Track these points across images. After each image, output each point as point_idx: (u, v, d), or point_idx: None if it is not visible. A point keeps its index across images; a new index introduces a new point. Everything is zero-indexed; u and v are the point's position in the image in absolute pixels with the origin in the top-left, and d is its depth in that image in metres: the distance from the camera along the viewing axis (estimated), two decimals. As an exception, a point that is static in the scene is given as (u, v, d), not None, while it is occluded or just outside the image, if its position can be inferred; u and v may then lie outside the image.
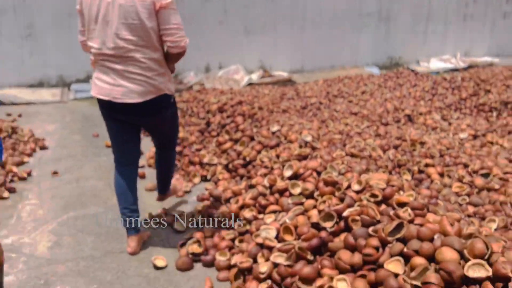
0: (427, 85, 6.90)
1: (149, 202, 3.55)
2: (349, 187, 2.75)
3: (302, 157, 3.36)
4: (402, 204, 2.36)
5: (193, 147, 4.41)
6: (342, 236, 2.39)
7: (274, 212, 2.88)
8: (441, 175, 3.61)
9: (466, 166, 3.72)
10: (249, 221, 2.90)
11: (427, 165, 3.75)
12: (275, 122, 4.36)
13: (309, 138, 3.84)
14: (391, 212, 2.31)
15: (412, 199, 2.40)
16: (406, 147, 4.19)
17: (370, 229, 2.25)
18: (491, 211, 2.99)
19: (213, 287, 2.51)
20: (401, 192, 2.58)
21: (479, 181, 3.35)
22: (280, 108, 5.80)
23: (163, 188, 3.35)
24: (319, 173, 3.03)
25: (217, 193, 3.52)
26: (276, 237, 2.63)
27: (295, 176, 3.08)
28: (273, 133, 4.03)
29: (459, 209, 3.03)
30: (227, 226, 3.00)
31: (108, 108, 2.66)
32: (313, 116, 5.63)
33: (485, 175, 3.50)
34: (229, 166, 3.85)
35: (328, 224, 2.46)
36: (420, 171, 3.69)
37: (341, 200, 2.66)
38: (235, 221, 3.01)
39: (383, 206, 2.46)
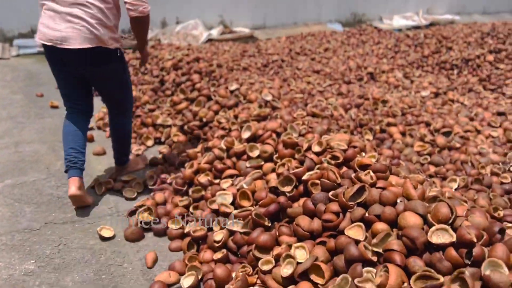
0: (390, 43, 6.78)
1: (97, 167, 3.28)
2: (309, 148, 2.60)
3: (261, 118, 3.16)
4: (364, 167, 2.23)
5: (145, 107, 4.11)
6: (301, 201, 2.25)
7: (231, 176, 2.70)
8: (403, 134, 3.53)
9: (428, 124, 3.65)
10: (204, 187, 2.71)
11: (389, 124, 3.66)
12: (234, 81, 4.11)
13: (269, 98, 3.64)
14: (352, 175, 2.17)
15: (374, 161, 2.27)
16: (368, 106, 4.08)
17: (330, 194, 2.12)
18: (452, 171, 2.94)
19: (156, 260, 2.33)
20: (363, 154, 2.46)
21: (440, 139, 3.29)
22: (241, 66, 5.53)
23: (119, 159, 3.11)
24: (279, 135, 2.85)
25: (171, 156, 3.30)
26: (233, 203, 2.47)
27: (254, 138, 2.89)
28: (232, 92, 3.80)
29: (420, 169, 2.96)
30: (181, 192, 2.80)
31: (52, 54, 2.55)
32: (274, 75, 5.41)
33: (447, 134, 3.45)
34: (184, 128, 3.60)
35: (287, 189, 2.31)
36: (382, 131, 3.59)
37: (301, 163, 2.51)
38: (189, 186, 2.82)
39: (344, 169, 2.33)
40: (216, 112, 3.55)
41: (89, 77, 2.68)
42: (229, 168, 2.75)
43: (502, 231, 1.74)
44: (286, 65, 5.91)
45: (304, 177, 2.28)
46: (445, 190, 2.43)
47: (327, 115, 3.59)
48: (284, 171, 2.41)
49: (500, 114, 3.98)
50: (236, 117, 3.30)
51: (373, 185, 2.08)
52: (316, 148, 2.54)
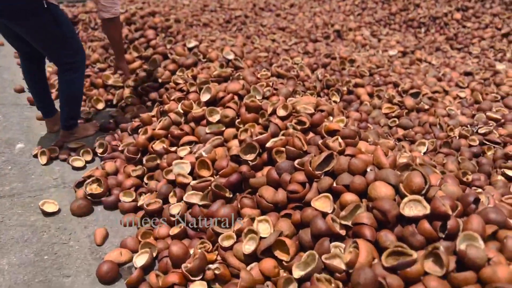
0: (358, -1, 6.54)
1: (40, 133, 2.97)
2: (274, 113, 2.40)
3: (222, 79, 2.90)
4: (331, 132, 2.06)
5: (95, 66, 3.75)
6: (265, 170, 2.07)
7: (189, 143, 2.47)
8: (371, 95, 3.39)
9: (396, 85, 3.52)
10: (159, 155, 2.48)
11: (356, 85, 3.50)
12: (192, 37, 3.79)
13: (231, 56, 3.37)
14: (320, 142, 2.00)
15: (342, 126, 2.11)
16: (335, 65, 3.89)
17: (296, 162, 1.95)
18: (421, 134, 2.84)
19: (107, 237, 2.13)
20: (331, 118, 2.28)
21: (409, 101, 3.17)
22: (201, 22, 5.18)
23: (66, 122, 2.82)
24: (241, 97, 2.62)
25: (124, 121, 3.02)
26: (191, 173, 2.26)
27: (214, 101, 2.65)
28: (190, 50, 3.50)
29: (389, 132, 2.84)
30: (134, 161, 2.56)
31: None
32: (237, 31, 5.09)
33: (415, 95, 3.33)
34: (138, 89, 3.30)
35: (249, 157, 2.12)
36: (349, 92, 3.43)
37: (265, 128, 2.32)
38: (143, 155, 2.58)
39: (311, 135, 2.15)
40: (173, 72, 3.26)
41: (18, 31, 2.35)
42: (186, 135, 2.52)
43: (476, 201, 1.64)
44: (250, 21, 5.58)
45: (268, 144, 2.09)
46: (415, 155, 2.31)
47: (293, 75, 3.37)
48: (247, 137, 2.21)
49: (467, 74, 3.90)
50: (194, 77, 3.03)
51: (341, 152, 1.92)
52: (281, 112, 2.35)
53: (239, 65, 3.30)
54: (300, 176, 1.88)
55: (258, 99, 2.56)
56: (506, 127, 2.87)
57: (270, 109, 2.43)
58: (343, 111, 2.96)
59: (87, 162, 2.69)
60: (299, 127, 2.16)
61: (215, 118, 2.51)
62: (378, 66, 3.95)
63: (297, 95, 2.85)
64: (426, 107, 3.14)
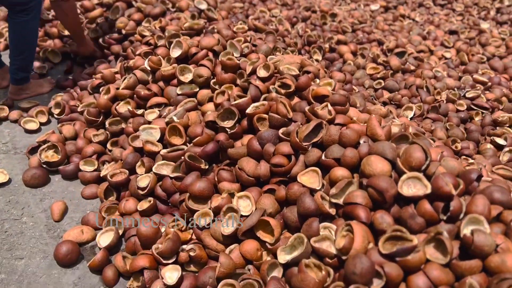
0: None
1: (-15, 91, 2.62)
2: (253, 73, 2.15)
3: (195, 32, 2.59)
4: (319, 98, 1.85)
5: (50, 14, 3.31)
6: (246, 139, 1.86)
7: (157, 106, 2.21)
8: (354, 54, 3.17)
9: (380, 43, 3.31)
10: (124, 118, 2.20)
11: (339, 42, 3.27)
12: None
13: (204, 6, 3.04)
14: (306, 109, 1.79)
15: (331, 91, 1.89)
16: (316, 19, 3.62)
17: (281, 131, 1.74)
18: (407, 97, 2.67)
19: (66, 211, 1.89)
20: (317, 81, 2.06)
21: (395, 61, 2.97)
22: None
23: (17, 75, 2.47)
24: (216, 54, 2.35)
25: (83, 78, 2.70)
26: (160, 140, 2.02)
27: (186, 58, 2.36)
28: (157, -3, 3.12)
29: (374, 95, 2.66)
30: (95, 124, 2.28)
31: None
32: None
33: (400, 54, 3.14)
34: (99, 42, 2.95)
35: (227, 124, 1.89)
36: (332, 49, 3.20)
37: (244, 91, 2.08)
38: (106, 117, 2.30)
39: (296, 100, 1.94)
40: (138, 23, 2.91)
41: None
42: (155, 95, 2.24)
43: (479, 178, 1.50)
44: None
45: (249, 110, 1.86)
46: (406, 122, 2.15)
47: (272, 30, 3.09)
48: (224, 101, 1.97)
49: (452, 32, 3.73)
50: (163, 29, 2.70)
51: (331, 121, 1.72)
52: (262, 73, 2.10)
53: (213, 16, 2.98)
54: (285, 148, 1.68)
55: (236, 57, 2.30)
56: (494, 91, 2.75)
57: (249, 69, 2.18)
58: (326, 71, 2.73)
59: (41, 124, 2.39)
60: (283, 91, 1.93)
61: (187, 77, 2.24)
62: (360, 22, 3.71)
63: (277, 52, 2.59)
64: (412, 68, 2.96)
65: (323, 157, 1.62)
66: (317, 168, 1.61)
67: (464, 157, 2.15)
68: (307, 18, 3.64)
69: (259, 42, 2.59)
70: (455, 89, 2.78)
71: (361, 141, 1.62)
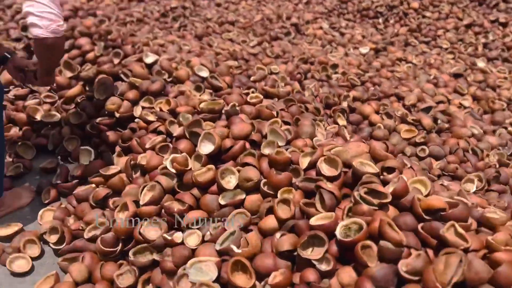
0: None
1: None
2: (311, 167, 1.73)
3: (216, 114, 2.13)
4: (430, 212, 1.45)
5: (10, 90, 2.69)
6: (343, 275, 1.41)
7: (196, 222, 1.70)
8: (377, 112, 2.85)
9: (398, 97, 3.03)
10: (157, 248, 1.67)
11: (355, 99, 2.94)
12: (141, 45, 2.90)
13: (205, 73, 2.60)
14: (421, 229, 1.38)
15: (444, 200, 1.49)
16: (316, 72, 3.29)
17: (404, 269, 1.30)
18: (457, 164, 2.37)
19: None
20: (421, 188, 1.62)
21: (426, 120, 2.69)
22: (134, 17, 4.21)
23: None
24: (255, 144, 1.91)
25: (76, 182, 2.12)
26: (218, 280, 1.52)
27: (217, 153, 1.89)
28: (149, 66, 2.63)
29: (427, 169, 2.33)
30: (113, 255, 1.72)
31: None
32: (182, 29, 4.21)
33: (425, 110, 2.87)
34: (86, 128, 2.36)
35: (314, 254, 1.44)
36: (351, 109, 2.86)
37: (307, 194, 1.65)
38: (126, 255, 1.75)
39: (392, 210, 1.53)
40: (134, 102, 2.38)
41: None
42: (190, 209, 1.74)
43: None
44: (191, 13, 4.71)
45: (340, 236, 1.43)
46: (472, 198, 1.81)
47: (284, 93, 2.69)
48: (302, 222, 1.51)
49: (456, 75, 3.56)
50: (172, 112, 2.21)
51: (466, 249, 1.32)
52: (328, 170, 1.69)
53: (218, 85, 2.54)
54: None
55: (283, 147, 1.87)
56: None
57: (305, 163, 1.76)
58: (363, 141, 2.37)
59: (33, 259, 1.79)
60: (375, 201, 1.51)
61: (229, 181, 1.77)
62: (363, 71, 3.43)
63: (318, 128, 2.19)
64: (446, 125, 2.69)
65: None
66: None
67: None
68: (307, 71, 3.30)
69: (284, 115, 2.19)
70: (500, 148, 2.54)
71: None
